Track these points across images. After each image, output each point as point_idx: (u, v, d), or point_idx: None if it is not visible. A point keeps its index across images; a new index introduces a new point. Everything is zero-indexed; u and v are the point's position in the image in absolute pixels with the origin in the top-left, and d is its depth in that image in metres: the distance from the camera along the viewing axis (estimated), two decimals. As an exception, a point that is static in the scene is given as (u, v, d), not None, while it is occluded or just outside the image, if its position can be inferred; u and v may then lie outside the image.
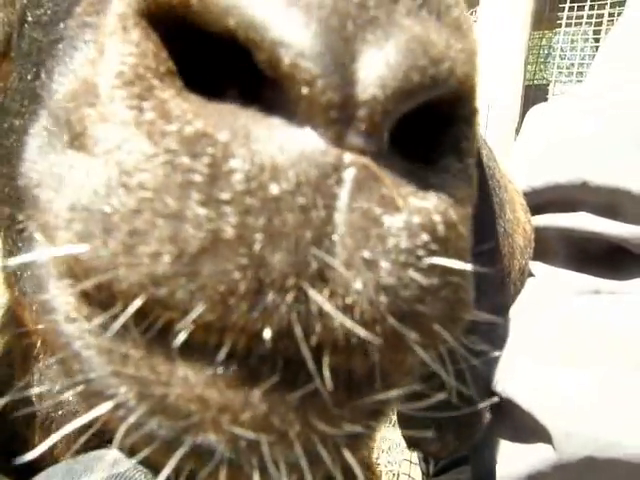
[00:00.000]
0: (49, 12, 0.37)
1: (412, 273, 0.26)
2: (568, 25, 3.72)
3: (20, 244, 0.34)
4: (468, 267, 0.28)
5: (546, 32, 4.24)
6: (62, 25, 0.35)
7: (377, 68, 0.24)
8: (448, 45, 0.26)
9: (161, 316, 0.25)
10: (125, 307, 0.25)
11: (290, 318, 0.24)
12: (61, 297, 0.28)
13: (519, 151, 0.93)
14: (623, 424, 0.60)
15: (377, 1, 0.25)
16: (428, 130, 0.29)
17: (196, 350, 0.26)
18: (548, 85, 4.06)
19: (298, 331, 0.25)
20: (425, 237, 0.26)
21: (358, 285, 0.25)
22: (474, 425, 0.70)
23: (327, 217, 0.25)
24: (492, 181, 0.73)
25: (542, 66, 4.43)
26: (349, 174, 0.25)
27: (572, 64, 4.08)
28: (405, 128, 0.27)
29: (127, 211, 0.24)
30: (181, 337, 0.25)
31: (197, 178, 0.24)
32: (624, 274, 0.74)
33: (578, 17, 3.64)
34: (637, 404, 0.61)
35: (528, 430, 0.68)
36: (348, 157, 0.25)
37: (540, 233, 0.80)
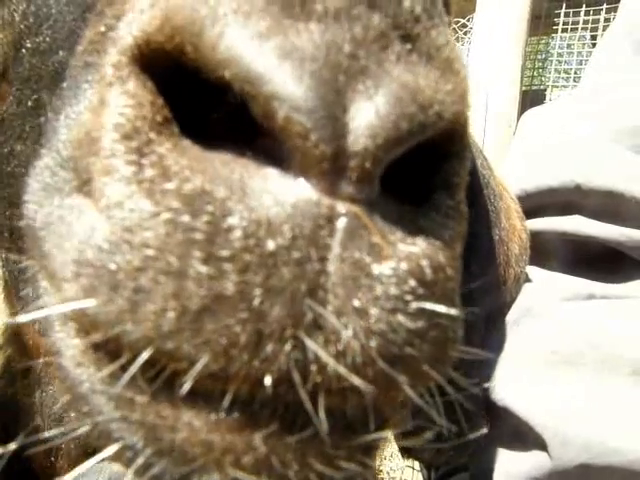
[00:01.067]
0: (48, 40, 0.38)
1: (400, 318, 0.27)
2: (564, 30, 3.73)
3: (22, 283, 0.35)
4: (453, 311, 0.29)
5: (543, 37, 4.25)
6: (62, 54, 0.36)
7: (367, 119, 0.25)
8: (437, 88, 0.27)
9: (167, 367, 0.27)
10: (133, 358, 0.26)
11: (289, 366, 0.26)
12: (69, 343, 0.30)
13: (513, 154, 0.93)
14: (618, 431, 0.61)
15: (367, 51, 0.26)
16: (421, 166, 0.30)
17: (201, 397, 0.27)
18: (545, 90, 4.07)
19: (296, 377, 0.26)
20: (413, 283, 0.27)
21: (349, 332, 0.26)
22: (470, 433, 0.70)
23: (320, 268, 0.26)
24: (487, 189, 0.73)
25: (539, 71, 4.44)
26: (341, 224, 0.26)
27: (570, 69, 4.09)
28: (398, 166, 0.27)
29: (132, 269, 0.26)
30: (186, 386, 0.26)
31: (198, 236, 0.25)
32: (620, 277, 0.74)
33: (574, 22, 3.65)
34: (632, 411, 0.62)
35: (524, 437, 0.68)
36: (340, 206, 0.26)
37: (535, 237, 0.80)
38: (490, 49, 3.06)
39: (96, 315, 0.27)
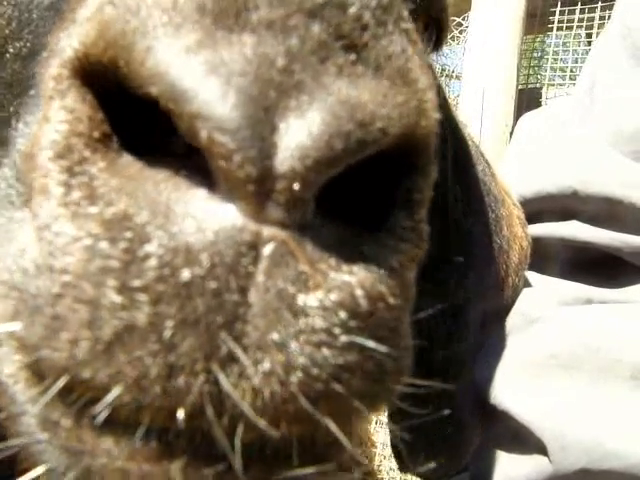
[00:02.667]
0: (28, 45, 0.37)
1: (326, 352, 0.26)
2: (560, 28, 3.74)
3: None
4: (383, 348, 0.27)
5: (538, 35, 4.26)
6: (38, 59, 0.35)
7: (297, 138, 0.24)
8: (383, 102, 0.25)
9: (84, 394, 0.26)
10: (54, 382, 0.26)
11: (202, 399, 0.25)
12: (9, 359, 0.29)
13: (510, 159, 0.93)
14: (618, 435, 0.60)
15: (303, 64, 0.24)
16: (384, 179, 0.29)
17: (118, 425, 0.27)
18: (541, 88, 4.08)
19: (209, 412, 0.25)
20: (343, 315, 0.26)
21: (267, 366, 0.25)
22: (464, 445, 0.70)
23: (240, 299, 0.25)
24: (488, 197, 0.73)
25: (535, 69, 4.45)
26: (267, 251, 0.25)
27: (565, 67, 4.10)
28: (355, 180, 0.26)
29: (51, 295, 0.25)
30: (102, 415, 0.26)
31: (113, 264, 0.24)
32: (618, 282, 0.74)
33: (569, 20, 3.66)
34: (631, 415, 0.61)
35: (524, 441, 0.68)
36: (267, 232, 0.25)
37: (534, 242, 0.80)
38: (486, 48, 3.06)
39: (22, 338, 0.27)
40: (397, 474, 2.30)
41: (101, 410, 0.26)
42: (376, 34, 0.26)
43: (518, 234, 0.76)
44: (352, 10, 0.25)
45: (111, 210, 0.25)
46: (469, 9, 3.30)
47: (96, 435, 0.27)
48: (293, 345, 0.25)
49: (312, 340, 0.25)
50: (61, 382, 0.26)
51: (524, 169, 0.85)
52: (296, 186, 0.24)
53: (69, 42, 0.27)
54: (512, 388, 0.69)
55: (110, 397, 0.25)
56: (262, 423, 0.26)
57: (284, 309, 0.25)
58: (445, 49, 0.64)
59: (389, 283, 0.27)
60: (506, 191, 0.80)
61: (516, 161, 0.90)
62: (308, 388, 0.26)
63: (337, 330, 0.26)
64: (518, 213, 0.79)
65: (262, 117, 0.24)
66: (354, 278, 0.26)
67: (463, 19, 3.80)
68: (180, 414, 0.25)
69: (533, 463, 0.67)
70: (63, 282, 0.25)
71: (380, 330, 0.27)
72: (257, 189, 0.24)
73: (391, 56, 0.26)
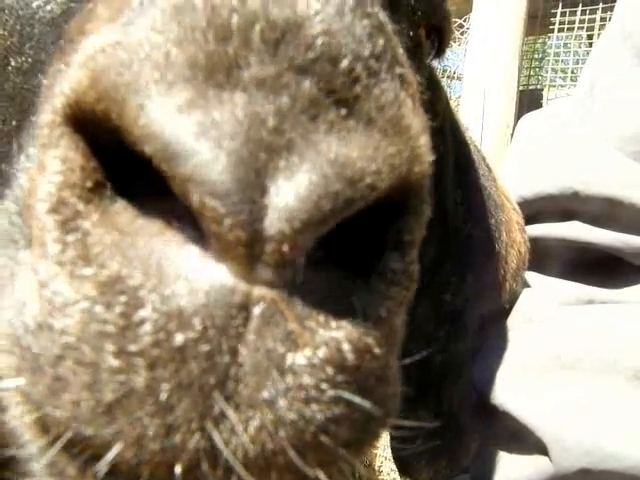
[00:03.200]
0: (30, 60, 0.38)
1: (314, 407, 0.27)
2: (561, 30, 3.74)
3: None
4: (367, 404, 0.28)
5: (539, 37, 4.26)
6: (40, 77, 0.35)
7: (285, 200, 0.24)
8: (374, 156, 0.25)
9: (87, 449, 0.27)
10: (59, 436, 0.27)
11: (198, 455, 0.26)
12: (14, 404, 0.30)
13: (511, 160, 0.93)
14: (619, 436, 0.61)
15: (294, 123, 0.24)
16: (377, 220, 0.29)
17: (120, 477, 0.28)
18: (542, 89, 4.07)
19: (205, 466, 0.26)
20: (330, 370, 0.27)
21: (257, 422, 0.26)
22: (464, 448, 0.70)
23: (231, 359, 0.26)
24: (488, 202, 0.73)
25: (536, 70, 4.44)
26: (257, 311, 0.25)
27: (566, 68, 4.09)
28: (348, 223, 0.26)
29: (52, 356, 0.26)
30: (103, 469, 0.27)
31: (110, 329, 0.25)
32: (619, 283, 0.75)
33: (570, 22, 3.66)
34: (632, 415, 0.62)
35: (525, 442, 0.68)
36: (257, 292, 0.25)
37: (534, 243, 0.80)
38: (487, 49, 3.06)
39: (26, 393, 0.27)
40: (398, 475, 2.30)
41: (103, 465, 0.27)
42: (368, 85, 0.26)
43: (517, 239, 0.77)
44: (344, 63, 0.25)
45: (106, 272, 0.25)
46: (470, 10, 3.30)
47: None
48: (282, 402, 0.26)
49: (300, 396, 0.26)
50: (65, 437, 0.27)
51: (524, 170, 0.85)
52: (285, 248, 0.24)
53: (62, 88, 0.27)
54: (512, 389, 0.69)
55: (111, 454, 0.26)
56: (249, 477, 0.27)
57: (273, 368, 0.26)
58: (446, 51, 0.65)
59: (376, 334, 0.28)
60: (506, 196, 0.80)
61: (516, 162, 0.91)
62: (297, 441, 0.27)
63: (324, 385, 0.27)
64: (517, 218, 0.79)
65: (252, 180, 0.24)
66: (341, 333, 0.27)
67: (464, 20, 3.81)
68: (177, 469, 0.26)
69: (534, 464, 0.67)
70: (63, 343, 0.26)
71: (367, 381, 0.28)
72: (247, 251, 0.24)
73: (383, 106, 0.26)
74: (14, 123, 0.37)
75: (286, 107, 0.24)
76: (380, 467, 2.18)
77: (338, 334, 0.27)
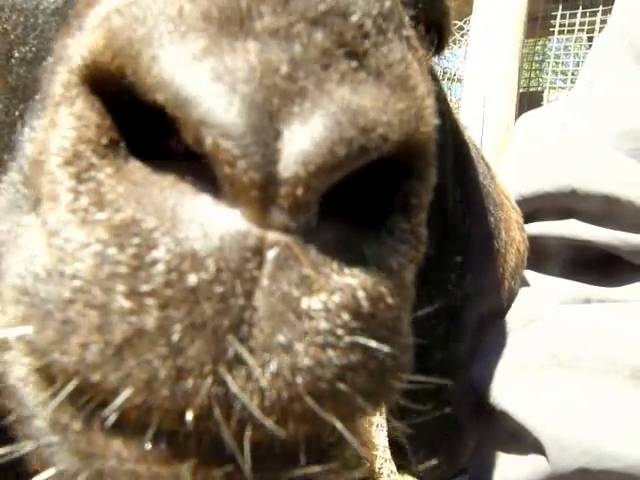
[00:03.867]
0: (34, 49, 0.38)
1: (331, 353, 0.26)
2: (561, 32, 3.74)
3: None
4: (386, 348, 0.28)
5: (540, 39, 4.27)
6: (44, 64, 0.35)
7: (300, 144, 0.24)
8: (384, 109, 0.26)
9: (94, 397, 0.27)
10: (64, 386, 0.27)
11: (210, 401, 0.26)
12: (17, 362, 0.30)
13: (510, 158, 0.94)
14: (616, 435, 0.61)
15: (306, 71, 0.25)
16: (384, 181, 0.29)
17: (128, 427, 0.27)
18: (543, 92, 4.08)
19: (217, 413, 0.26)
20: (346, 316, 0.27)
21: (273, 368, 0.26)
22: (462, 447, 0.70)
23: (246, 302, 0.25)
24: (487, 200, 0.73)
25: (537, 73, 4.45)
26: (271, 255, 0.25)
27: (567, 70, 4.10)
28: (356, 181, 0.27)
29: (61, 300, 0.26)
30: (112, 417, 0.27)
31: (122, 270, 0.25)
32: (617, 281, 0.75)
33: (571, 24, 3.67)
34: (630, 415, 0.62)
35: (522, 441, 0.68)
36: (271, 236, 0.25)
37: (532, 241, 0.80)
38: (487, 51, 3.06)
39: (32, 342, 0.27)
40: (398, 476, 2.30)
41: (111, 413, 0.26)
42: (377, 42, 0.26)
43: (516, 238, 0.77)
44: (354, 18, 0.26)
45: (119, 216, 0.25)
46: (470, 12, 3.30)
47: (106, 437, 0.28)
48: (298, 347, 0.26)
49: (316, 341, 0.26)
50: (71, 385, 0.26)
51: (523, 168, 0.86)
52: (299, 192, 0.24)
53: (77, 49, 0.27)
54: (510, 388, 0.69)
55: (120, 400, 0.26)
56: (269, 423, 0.26)
57: (289, 312, 0.26)
58: (447, 52, 0.65)
59: (389, 284, 0.28)
60: (505, 194, 0.80)
61: (515, 160, 0.91)
62: (314, 388, 0.26)
63: (340, 331, 0.26)
64: (516, 217, 0.79)
65: (266, 124, 0.24)
66: (356, 280, 0.27)
67: (464, 22, 3.81)
68: (189, 416, 0.26)
69: (532, 464, 0.67)
70: (73, 287, 0.25)
71: (381, 330, 0.28)
72: (261, 195, 0.24)
73: (392, 64, 0.27)
74: (17, 113, 0.37)
75: (299, 55, 0.25)
76: (380, 468, 2.18)
77: (352, 281, 0.27)
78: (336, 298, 0.26)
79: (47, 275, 0.26)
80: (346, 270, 0.27)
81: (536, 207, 0.81)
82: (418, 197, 0.29)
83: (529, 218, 0.82)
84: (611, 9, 0.89)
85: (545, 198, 0.79)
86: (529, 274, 0.80)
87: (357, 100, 0.25)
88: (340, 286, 0.27)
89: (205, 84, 0.24)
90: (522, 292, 0.78)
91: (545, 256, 0.80)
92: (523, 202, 0.82)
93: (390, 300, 0.28)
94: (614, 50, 0.79)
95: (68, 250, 0.26)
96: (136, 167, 0.27)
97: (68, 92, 0.27)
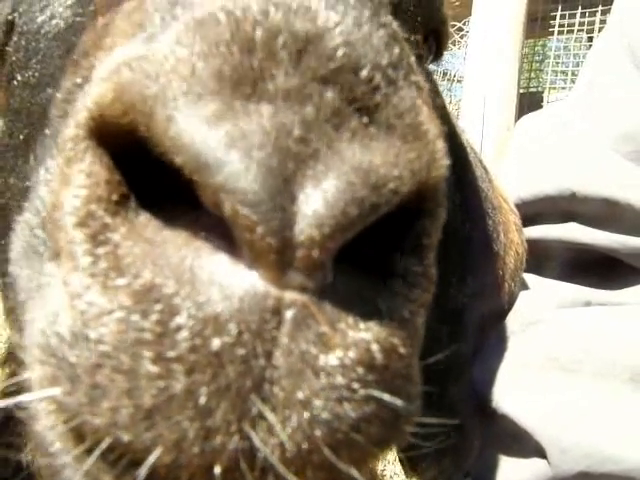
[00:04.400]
0: (37, 75, 0.38)
1: (346, 406, 0.27)
2: (561, 32, 3.74)
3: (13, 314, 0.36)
4: (399, 402, 0.29)
5: (539, 40, 4.26)
6: (49, 91, 0.36)
7: (314, 207, 0.25)
8: (395, 162, 0.26)
9: (125, 454, 0.28)
10: (96, 443, 0.27)
11: (236, 456, 0.27)
12: (45, 412, 0.30)
13: (509, 161, 0.94)
14: (617, 439, 0.61)
15: (318, 132, 0.25)
16: (394, 223, 0.29)
17: None
18: (543, 92, 4.08)
19: (244, 466, 0.27)
20: (360, 370, 0.27)
21: (293, 423, 0.27)
22: (467, 449, 0.70)
23: (266, 362, 0.26)
24: (486, 203, 0.73)
25: (537, 73, 4.45)
26: (289, 315, 0.26)
27: (567, 70, 4.10)
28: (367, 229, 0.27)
29: (89, 365, 0.26)
30: (143, 474, 0.27)
31: (147, 336, 0.26)
32: (616, 284, 0.75)
33: (570, 24, 3.67)
34: (631, 418, 0.62)
35: (524, 445, 0.68)
36: (289, 296, 0.26)
37: (532, 244, 0.80)
38: (487, 52, 3.06)
39: (61, 402, 0.28)
40: (401, 479, 2.30)
41: (143, 470, 0.27)
42: (387, 93, 0.27)
43: (514, 240, 0.77)
44: (364, 73, 0.26)
45: (139, 281, 0.26)
46: (470, 13, 3.30)
47: None
48: (316, 402, 0.27)
49: (333, 396, 0.27)
50: (104, 444, 0.27)
51: (523, 171, 0.86)
52: (315, 253, 0.25)
53: (84, 102, 0.28)
54: (511, 391, 0.69)
55: (151, 458, 0.26)
56: (288, 474, 0.27)
57: (307, 369, 0.27)
58: (446, 54, 0.65)
59: (401, 334, 0.29)
60: (503, 197, 0.80)
61: (515, 163, 0.91)
62: (331, 440, 0.27)
63: (355, 385, 0.27)
64: (515, 219, 0.79)
65: (282, 188, 0.25)
66: (370, 334, 0.28)
67: (464, 24, 3.81)
68: (217, 470, 0.27)
69: (533, 467, 0.67)
70: (100, 352, 0.26)
71: (394, 380, 0.29)
72: (278, 258, 0.25)
73: (402, 113, 0.27)
74: (21, 137, 0.37)
75: (311, 117, 0.25)
76: (383, 470, 2.18)
77: (367, 335, 0.28)
78: (351, 354, 0.27)
79: (72, 338, 0.27)
80: (361, 325, 0.28)
81: (536, 210, 0.81)
82: (429, 237, 0.30)
83: (529, 221, 0.82)
84: (610, 9, 0.89)
85: (545, 201, 0.79)
86: (530, 277, 0.80)
87: (368, 158, 0.26)
88: (355, 341, 0.27)
89: (223, 150, 0.24)
90: (522, 295, 0.78)
91: (546, 259, 0.81)
92: (523, 205, 0.82)
93: (402, 350, 0.29)
94: (613, 51, 0.79)
95: (91, 315, 0.26)
96: (147, 221, 0.27)
97: (77, 146, 0.28)
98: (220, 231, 0.26)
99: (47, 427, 0.30)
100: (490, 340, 0.75)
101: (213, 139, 0.24)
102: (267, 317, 0.26)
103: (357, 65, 0.26)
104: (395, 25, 0.28)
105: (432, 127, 0.28)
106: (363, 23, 0.26)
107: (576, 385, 0.66)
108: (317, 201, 0.25)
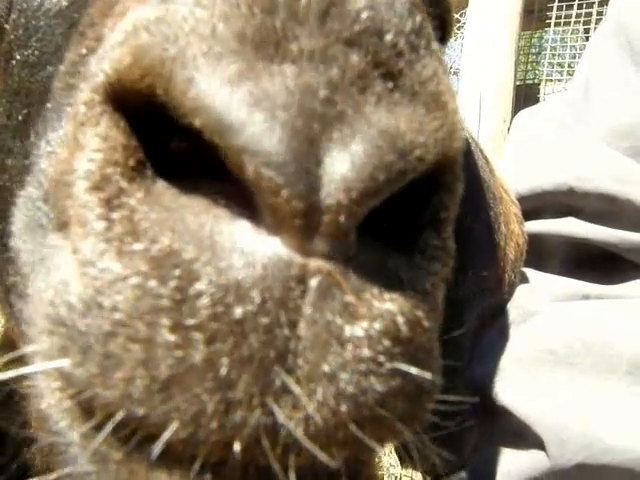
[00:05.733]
0: (36, 53, 0.37)
1: (373, 380, 0.26)
2: (557, 24, 3.74)
3: (13, 297, 0.35)
4: (427, 374, 0.28)
5: (536, 31, 4.26)
6: (49, 69, 0.35)
7: (341, 171, 0.24)
8: (420, 129, 0.26)
9: (139, 430, 0.26)
10: (106, 419, 0.26)
11: (258, 432, 0.26)
12: (49, 389, 0.29)
13: (506, 156, 0.94)
14: (615, 430, 0.61)
15: (344, 94, 0.24)
16: (412, 197, 0.29)
17: (173, 459, 0.27)
18: (539, 84, 4.08)
19: (265, 443, 0.26)
20: (387, 342, 0.27)
21: (319, 397, 0.26)
22: (465, 442, 0.70)
23: (290, 332, 0.25)
24: (487, 193, 0.73)
25: (533, 65, 4.45)
26: (313, 283, 0.25)
27: (563, 62, 4.09)
28: (386, 202, 0.26)
29: (102, 333, 0.25)
30: (157, 450, 0.26)
31: (165, 303, 0.24)
32: (615, 279, 0.75)
33: (567, 16, 3.66)
34: (628, 410, 0.62)
35: (523, 437, 0.68)
36: (314, 264, 0.25)
37: (531, 239, 0.80)
38: (483, 44, 3.05)
39: (70, 375, 0.26)
40: (397, 470, 2.31)
41: (157, 447, 0.26)
42: (411, 60, 0.26)
43: (515, 231, 0.77)
44: (388, 37, 0.25)
45: (156, 246, 0.25)
46: (466, 5, 3.29)
47: (149, 469, 0.27)
48: (342, 375, 0.26)
49: (360, 369, 0.26)
50: (116, 419, 0.26)
51: (520, 166, 0.86)
52: (342, 219, 0.24)
53: (100, 66, 0.27)
54: (510, 384, 0.69)
55: (166, 434, 0.25)
56: (316, 450, 0.26)
57: (332, 340, 0.26)
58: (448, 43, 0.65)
59: (424, 307, 0.28)
60: (504, 188, 0.80)
61: (512, 158, 0.91)
62: (357, 415, 0.26)
63: (382, 358, 0.27)
64: (515, 210, 0.79)
65: (307, 150, 0.24)
66: (395, 305, 0.27)
67: (461, 15, 3.80)
68: (237, 447, 0.26)
69: (532, 459, 0.67)
70: (114, 320, 0.25)
71: (419, 354, 0.28)
72: (304, 223, 0.24)
73: (425, 81, 0.26)
74: (20, 118, 0.36)
75: (336, 78, 0.24)
76: (379, 462, 2.19)
77: (392, 306, 0.27)
78: (377, 325, 0.26)
79: (84, 306, 0.25)
80: (385, 295, 0.27)
81: (534, 205, 0.81)
82: (447, 211, 0.29)
83: (527, 216, 0.82)
84: (607, 1, 0.89)
85: (543, 196, 0.79)
86: (529, 272, 0.81)
87: (394, 122, 0.25)
88: (381, 312, 0.26)
89: (245, 111, 0.23)
90: (521, 289, 0.79)
91: (543, 254, 0.81)
92: (521, 200, 0.82)
93: (426, 323, 0.28)
94: (610, 46, 0.79)
95: (105, 282, 0.25)
96: (164, 188, 0.26)
97: (91, 111, 0.27)
98: (241, 199, 0.25)
99: (52, 404, 0.29)
100: (490, 333, 0.75)
101: (235, 99, 0.23)
102: (291, 285, 0.25)
103: (381, 29, 0.25)
104: None
105: (452, 98, 0.28)
106: None
107: (574, 378, 0.66)
108: (344, 164, 0.24)
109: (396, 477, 2.27)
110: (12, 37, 0.39)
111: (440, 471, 0.70)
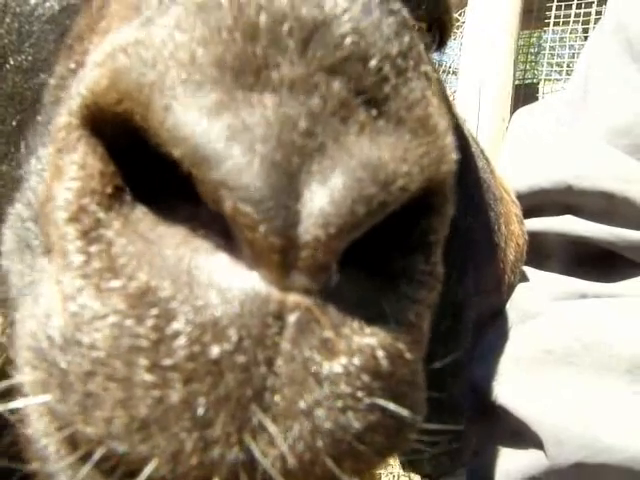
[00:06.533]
0: (30, 59, 0.36)
1: (350, 415, 0.26)
2: (556, 24, 3.73)
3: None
4: (405, 412, 0.28)
5: (535, 31, 4.26)
6: (42, 76, 0.34)
7: (320, 205, 0.23)
8: (404, 157, 0.25)
9: (120, 465, 0.26)
10: (90, 452, 0.26)
11: (236, 468, 0.26)
12: (38, 417, 0.29)
13: (505, 154, 0.94)
14: (613, 430, 0.61)
15: (325, 125, 0.24)
16: (400, 220, 0.28)
17: None
18: (538, 84, 4.08)
19: (243, 478, 0.26)
20: (365, 378, 0.26)
21: (295, 433, 0.26)
22: (465, 445, 0.71)
23: (267, 370, 0.25)
24: (488, 194, 0.73)
25: (532, 64, 4.45)
26: (292, 319, 0.25)
27: (562, 62, 4.09)
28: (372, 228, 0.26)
29: (81, 372, 0.25)
30: None
31: (143, 343, 0.24)
32: (613, 277, 0.75)
33: (566, 15, 3.66)
34: (627, 410, 0.62)
35: (522, 436, 0.68)
36: (292, 299, 0.25)
37: (530, 237, 0.80)
38: (482, 43, 3.05)
39: (53, 410, 0.26)
40: (396, 470, 2.31)
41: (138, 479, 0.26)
42: (397, 84, 0.25)
43: (515, 232, 0.77)
44: (373, 62, 0.25)
45: (134, 284, 0.24)
46: (465, 4, 3.29)
47: None
48: (319, 411, 0.26)
49: (337, 405, 0.26)
50: (97, 455, 0.26)
51: (518, 164, 0.86)
52: (320, 254, 0.24)
53: (77, 89, 0.26)
54: (509, 384, 0.69)
55: (147, 470, 0.25)
56: None
57: (310, 377, 0.25)
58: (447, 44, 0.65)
59: (407, 339, 0.28)
60: (505, 188, 0.80)
61: (510, 156, 0.91)
62: (333, 450, 0.26)
63: (360, 393, 0.26)
64: (516, 210, 0.79)
65: (286, 185, 0.23)
66: (375, 339, 0.26)
67: (460, 15, 3.80)
68: None
69: (531, 458, 0.67)
70: (93, 359, 0.25)
71: (399, 388, 0.28)
72: (281, 258, 0.24)
73: (412, 105, 0.25)
74: (14, 123, 0.36)
75: (317, 109, 0.24)
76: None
77: (372, 340, 0.26)
78: (356, 360, 0.26)
79: (64, 342, 0.25)
80: (366, 329, 0.26)
81: (532, 204, 0.81)
82: (436, 234, 0.29)
83: (526, 214, 0.82)
84: (606, 0, 0.89)
85: (541, 194, 0.79)
86: (528, 270, 0.81)
87: (377, 153, 0.24)
88: (360, 347, 0.26)
89: (224, 144, 0.23)
90: (519, 288, 0.79)
91: (542, 252, 0.81)
92: (519, 199, 0.82)
93: (408, 355, 0.28)
94: (609, 44, 0.79)
95: (84, 319, 0.25)
96: (142, 215, 0.26)
97: (69, 136, 0.26)
98: (220, 228, 0.25)
99: (40, 432, 0.29)
100: (489, 333, 0.75)
101: (213, 131, 0.23)
102: (269, 322, 0.24)
103: (366, 54, 0.24)
104: (405, 12, 0.26)
105: (442, 120, 0.27)
106: (372, 10, 0.24)
107: (573, 377, 0.66)
108: (323, 199, 0.23)
109: (394, 476, 2.27)
110: (6, 41, 0.38)
111: (439, 472, 0.71)
